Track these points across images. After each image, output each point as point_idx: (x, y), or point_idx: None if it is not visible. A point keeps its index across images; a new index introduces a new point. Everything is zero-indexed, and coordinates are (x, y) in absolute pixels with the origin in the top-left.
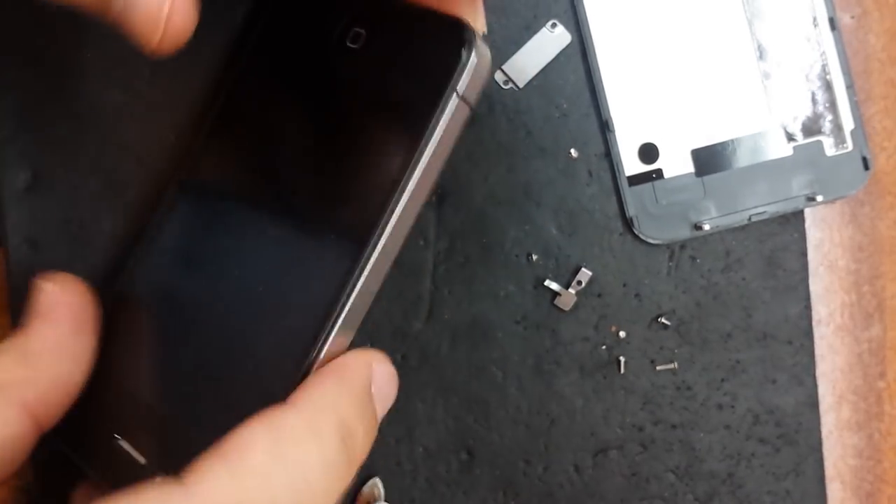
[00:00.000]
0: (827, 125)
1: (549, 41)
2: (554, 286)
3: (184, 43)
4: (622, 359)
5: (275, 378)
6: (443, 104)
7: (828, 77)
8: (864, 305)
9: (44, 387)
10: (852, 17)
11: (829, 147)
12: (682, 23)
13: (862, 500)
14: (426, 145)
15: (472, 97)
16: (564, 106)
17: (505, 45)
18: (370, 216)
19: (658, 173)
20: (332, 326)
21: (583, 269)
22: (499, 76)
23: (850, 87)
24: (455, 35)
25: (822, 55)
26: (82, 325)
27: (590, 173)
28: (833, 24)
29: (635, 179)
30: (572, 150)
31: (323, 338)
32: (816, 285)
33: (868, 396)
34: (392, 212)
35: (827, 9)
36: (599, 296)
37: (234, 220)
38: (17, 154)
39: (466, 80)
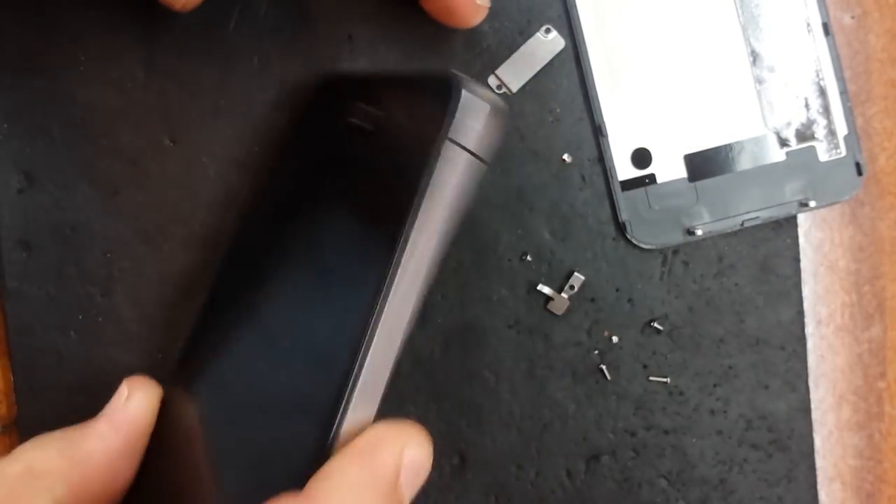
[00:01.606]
0: (820, 130)
1: (543, 46)
2: (547, 290)
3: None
4: (603, 367)
5: (296, 458)
6: (436, 151)
7: (821, 82)
8: (864, 306)
9: (80, 487)
10: (852, 18)
11: (823, 152)
12: (675, 28)
13: (862, 501)
14: (423, 195)
15: (474, 144)
16: (557, 111)
17: (498, 49)
18: (376, 275)
19: (651, 178)
20: (350, 397)
21: (575, 273)
22: (492, 81)
23: (843, 92)
24: (443, 83)
25: (815, 60)
26: (139, 441)
27: (583, 178)
28: (827, 29)
29: (628, 184)
30: (565, 155)
31: (341, 410)
32: (817, 286)
33: (868, 397)
34: (396, 265)
35: (821, 14)
36: (592, 300)
37: (255, 293)
38: (10, 156)
39: (460, 125)
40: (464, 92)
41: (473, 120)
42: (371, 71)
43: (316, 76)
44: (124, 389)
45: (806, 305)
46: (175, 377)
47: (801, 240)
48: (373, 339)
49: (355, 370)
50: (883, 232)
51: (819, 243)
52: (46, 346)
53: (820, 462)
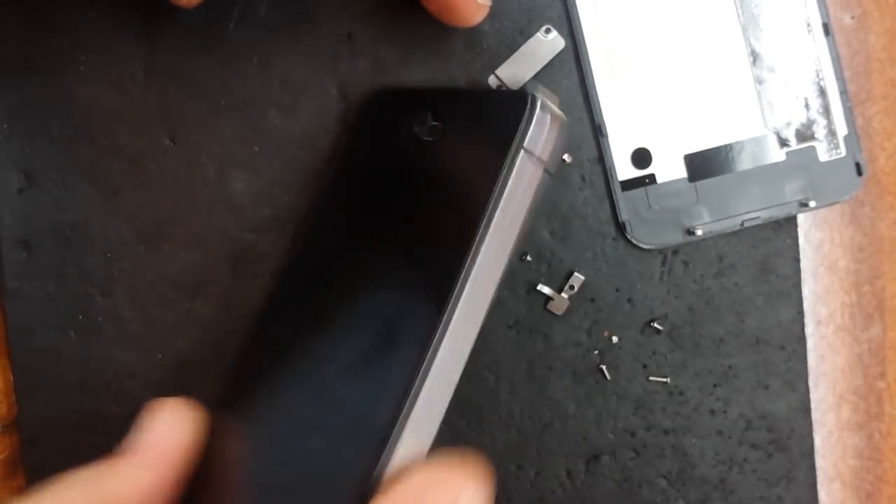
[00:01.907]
0: (820, 131)
1: (543, 46)
2: (547, 291)
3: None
4: (603, 367)
5: (342, 492)
6: (511, 159)
7: (821, 82)
8: (864, 306)
9: None
10: (852, 18)
11: (823, 152)
12: (675, 28)
13: (862, 501)
14: (497, 201)
15: (543, 155)
16: None
17: (498, 49)
18: (440, 293)
19: (651, 178)
20: (402, 427)
21: (575, 273)
22: (492, 80)
23: (843, 92)
24: (519, 98)
25: (815, 60)
26: (174, 475)
27: (583, 178)
28: (827, 29)
29: (628, 184)
30: (565, 155)
31: (390, 441)
32: (817, 286)
33: (868, 397)
34: (465, 278)
35: (821, 14)
36: (592, 300)
37: (308, 314)
38: (10, 156)
39: (534, 137)
40: (539, 106)
41: (547, 132)
42: (428, 85)
43: (363, 90)
44: (157, 419)
45: (806, 305)
46: (220, 403)
47: (801, 240)
48: (431, 364)
49: (410, 396)
50: (883, 232)
51: (819, 243)
52: (46, 345)
53: (820, 462)
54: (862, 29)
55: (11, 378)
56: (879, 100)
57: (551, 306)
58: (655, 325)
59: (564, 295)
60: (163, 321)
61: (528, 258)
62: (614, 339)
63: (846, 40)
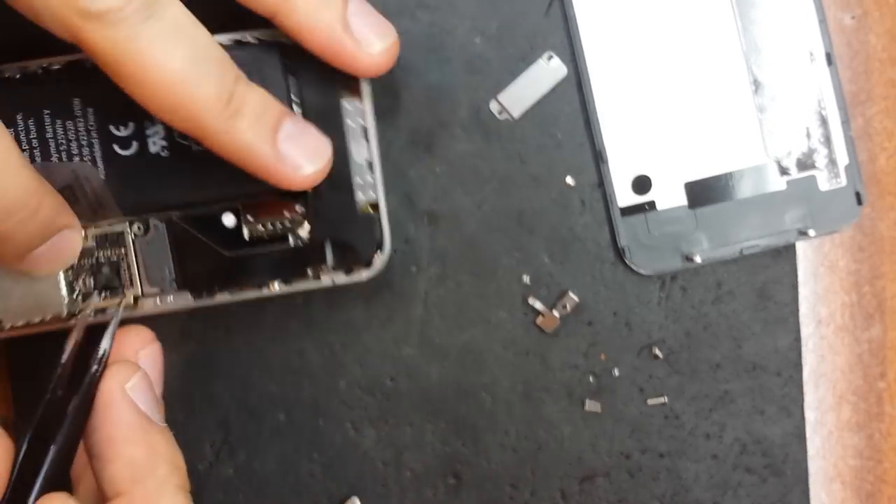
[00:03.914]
0: (821, 160)
1: (545, 73)
2: (538, 306)
3: None
4: (598, 391)
5: None
6: None
7: (823, 112)
8: (864, 306)
9: None
10: (853, 18)
11: (823, 182)
12: (678, 56)
13: (862, 501)
14: None
15: None
16: (559, 136)
17: (500, 75)
18: None
19: (651, 205)
20: None
21: (569, 293)
22: (494, 106)
23: (845, 122)
24: None
25: (817, 90)
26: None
27: (583, 203)
28: (829, 59)
29: (628, 210)
30: (566, 180)
31: None
32: (817, 286)
33: (868, 397)
34: None
35: (823, 44)
36: (589, 324)
37: None
38: None
39: None
40: None
41: None
42: None
43: None
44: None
45: (806, 305)
46: None
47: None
48: None
49: None
50: (883, 232)
51: (819, 243)
52: (46, 345)
53: (820, 462)
54: (862, 29)
55: (9, 378)
56: (879, 100)
57: (540, 322)
58: (653, 349)
59: (556, 313)
60: (163, 320)
61: (527, 280)
62: (610, 362)
63: (846, 40)
